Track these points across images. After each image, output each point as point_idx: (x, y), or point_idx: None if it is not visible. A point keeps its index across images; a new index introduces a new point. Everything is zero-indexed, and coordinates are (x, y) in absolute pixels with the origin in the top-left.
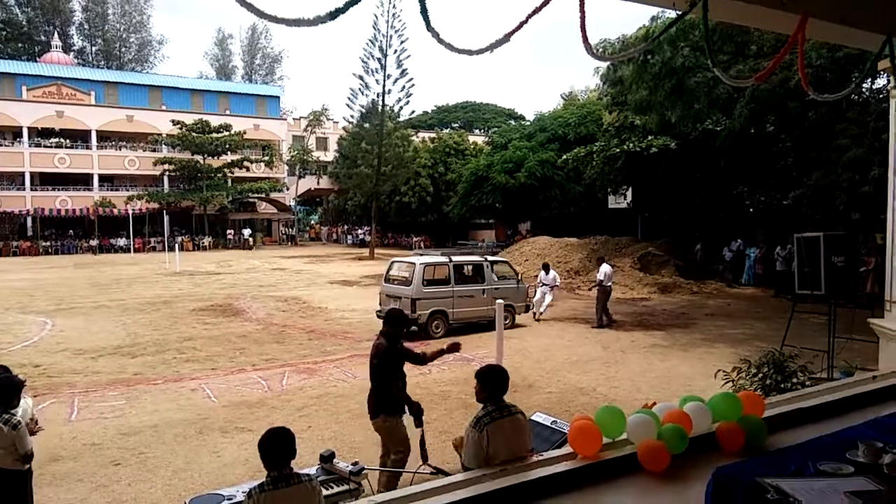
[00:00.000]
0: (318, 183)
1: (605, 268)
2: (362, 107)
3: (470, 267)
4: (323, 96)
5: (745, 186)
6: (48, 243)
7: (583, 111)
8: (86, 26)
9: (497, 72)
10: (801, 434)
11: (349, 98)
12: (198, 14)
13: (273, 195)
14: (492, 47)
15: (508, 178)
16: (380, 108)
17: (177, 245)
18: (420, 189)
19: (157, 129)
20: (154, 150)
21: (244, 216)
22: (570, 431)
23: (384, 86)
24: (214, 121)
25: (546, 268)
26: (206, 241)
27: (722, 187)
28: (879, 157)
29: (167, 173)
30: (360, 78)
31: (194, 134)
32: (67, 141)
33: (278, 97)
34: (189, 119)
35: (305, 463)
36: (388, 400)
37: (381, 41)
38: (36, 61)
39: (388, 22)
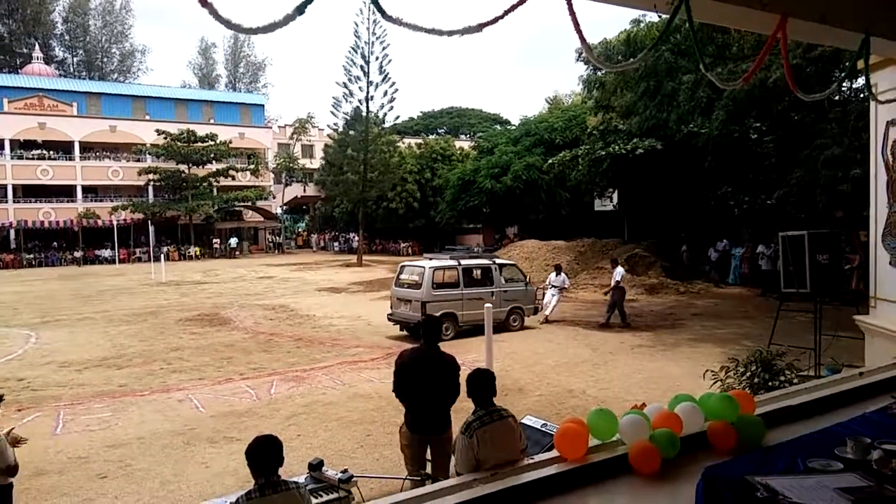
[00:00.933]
0: (304, 190)
1: (619, 269)
2: (347, 114)
3: (479, 270)
4: (308, 103)
5: (730, 187)
6: (32, 255)
7: (567, 115)
8: (67, 37)
9: (482, 77)
10: (789, 431)
11: (333, 105)
12: (180, 23)
13: (259, 203)
14: (463, 31)
15: (495, 182)
16: (364, 114)
17: (162, 255)
18: (407, 195)
19: (140, 140)
20: (138, 161)
21: (230, 225)
22: (556, 435)
23: (368, 92)
24: (199, 130)
25: (558, 269)
26: (193, 250)
27: (707, 188)
28: (860, 155)
29: (152, 183)
30: (344, 85)
31: (179, 143)
32: (50, 152)
33: (263, 105)
34: (173, 129)
35: (294, 471)
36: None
37: (362, 48)
38: (17, 73)
39: (369, 29)
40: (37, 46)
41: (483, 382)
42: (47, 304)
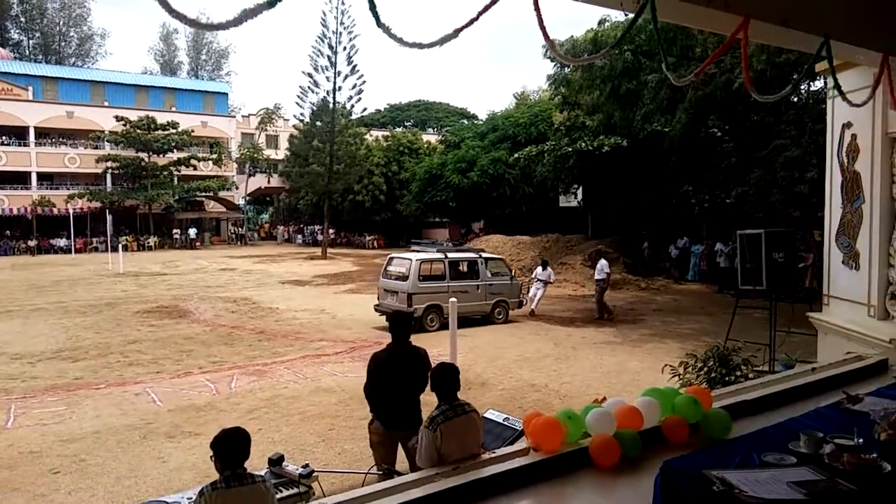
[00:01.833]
0: (268, 181)
1: (602, 263)
2: (313, 104)
3: (465, 263)
4: (273, 93)
5: (691, 185)
6: None
7: (534, 110)
8: (22, 19)
9: (450, 71)
10: (745, 426)
11: (299, 96)
12: (141, 7)
13: (222, 194)
14: (441, 41)
15: (462, 177)
16: (331, 105)
17: (120, 245)
18: (374, 188)
19: (99, 126)
20: (96, 148)
21: (192, 215)
22: (533, 427)
23: (335, 83)
24: (160, 118)
25: (545, 264)
26: (152, 240)
27: (669, 186)
28: (816, 158)
29: (110, 171)
30: (310, 76)
31: (139, 131)
32: (3, 138)
33: (226, 94)
34: (133, 116)
35: (255, 466)
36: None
37: (330, 38)
38: None
39: (337, 18)
40: None
41: (447, 377)
42: None
